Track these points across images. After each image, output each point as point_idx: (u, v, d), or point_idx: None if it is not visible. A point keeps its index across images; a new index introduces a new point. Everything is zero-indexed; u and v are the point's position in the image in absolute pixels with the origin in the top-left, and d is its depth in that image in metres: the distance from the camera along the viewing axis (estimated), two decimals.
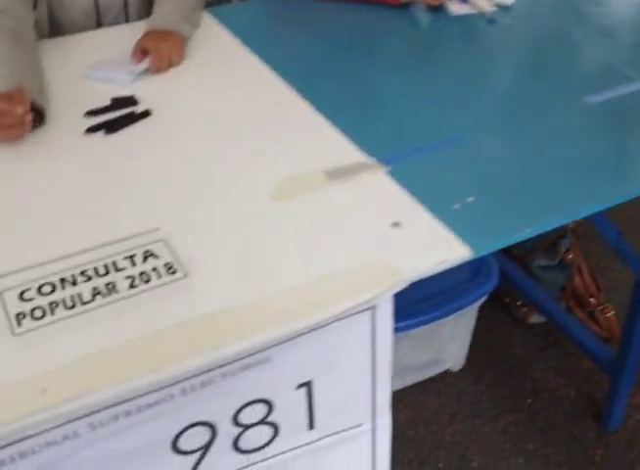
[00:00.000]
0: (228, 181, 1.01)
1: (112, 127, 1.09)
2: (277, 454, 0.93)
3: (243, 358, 0.80)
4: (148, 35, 1.26)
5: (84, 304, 0.81)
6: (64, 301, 0.82)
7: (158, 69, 1.22)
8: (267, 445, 0.91)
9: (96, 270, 0.85)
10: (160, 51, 1.22)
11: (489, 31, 1.46)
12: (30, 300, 0.82)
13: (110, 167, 1.05)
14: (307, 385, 0.88)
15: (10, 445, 0.71)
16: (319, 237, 0.91)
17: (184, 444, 0.84)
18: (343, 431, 0.97)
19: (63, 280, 0.84)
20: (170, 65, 1.23)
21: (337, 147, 1.07)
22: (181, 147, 1.08)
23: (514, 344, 1.76)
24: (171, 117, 1.15)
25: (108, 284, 0.84)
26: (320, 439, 0.95)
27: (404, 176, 1.01)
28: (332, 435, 0.96)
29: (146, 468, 0.84)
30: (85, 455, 0.77)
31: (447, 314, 1.49)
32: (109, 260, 0.87)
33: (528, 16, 1.50)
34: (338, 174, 1.01)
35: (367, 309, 0.86)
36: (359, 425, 0.97)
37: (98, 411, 0.74)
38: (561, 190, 1.00)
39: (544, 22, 1.50)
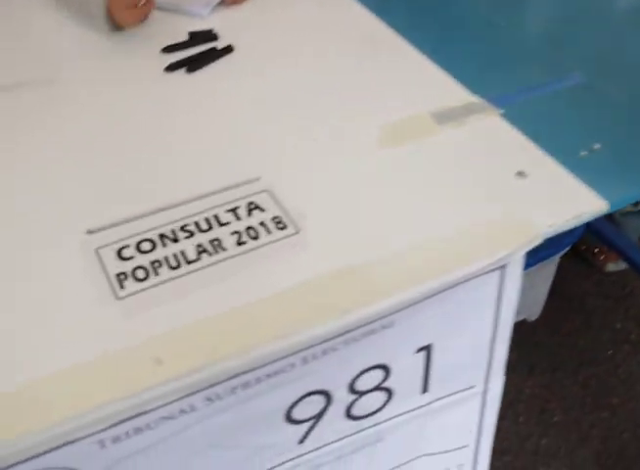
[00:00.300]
0: (328, 125, 0.91)
1: (193, 65, 0.99)
2: (387, 420, 0.87)
3: (367, 324, 0.72)
4: None
5: (189, 263, 0.73)
6: (167, 259, 0.73)
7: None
8: (379, 410, 0.85)
9: (197, 225, 0.77)
10: None
11: None
12: (130, 258, 0.74)
13: (196, 110, 0.95)
14: (427, 349, 0.81)
15: (125, 421, 0.64)
16: (435, 189, 0.82)
17: (297, 413, 0.77)
18: (455, 393, 0.90)
19: (162, 236, 0.76)
20: None
21: (440, 86, 0.97)
22: (271, 87, 0.98)
23: (591, 293, 1.68)
24: (256, 53, 1.04)
25: (213, 241, 0.75)
26: (431, 402, 0.89)
27: (520, 120, 0.91)
28: (444, 398, 0.90)
29: (256, 439, 0.77)
30: (198, 429, 0.71)
31: (530, 266, 1.41)
32: (210, 214, 0.79)
33: None
34: (447, 118, 0.91)
35: (496, 269, 0.77)
36: (472, 387, 0.91)
37: (217, 384, 0.67)
38: None
39: None
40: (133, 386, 0.63)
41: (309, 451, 0.83)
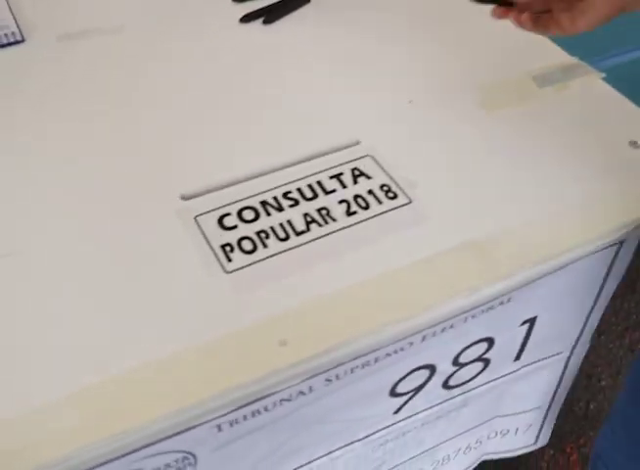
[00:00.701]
0: (423, 84, 0.85)
1: (271, 16, 0.92)
2: (477, 387, 0.84)
3: (489, 302, 0.68)
4: None
5: (299, 234, 0.68)
6: (273, 230, 0.69)
7: None
8: (472, 379, 0.82)
9: (301, 192, 0.72)
10: None
11: None
12: (233, 227, 0.69)
13: (279, 66, 0.88)
14: (531, 321, 0.78)
15: (246, 405, 0.60)
16: (543, 158, 0.77)
17: (401, 387, 0.74)
18: (543, 360, 0.88)
19: (264, 203, 0.71)
20: None
21: (538, 47, 0.90)
22: (356, 41, 0.91)
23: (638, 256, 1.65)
24: (334, 3, 0.97)
25: (320, 210, 0.70)
26: (520, 368, 0.86)
27: (625, 84, 0.85)
28: (532, 364, 0.87)
29: (359, 413, 0.74)
30: (310, 409, 0.67)
31: None
32: (312, 180, 0.73)
33: None
34: (548, 81, 0.85)
35: (615, 244, 0.73)
36: (559, 353, 0.88)
37: (340, 365, 0.63)
38: None
39: None
40: (259, 369, 0.58)
41: (401, 420, 0.80)
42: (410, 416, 0.82)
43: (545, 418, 1.02)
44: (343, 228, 0.69)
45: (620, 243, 0.73)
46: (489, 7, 0.70)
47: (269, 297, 0.63)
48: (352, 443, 0.79)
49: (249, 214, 0.70)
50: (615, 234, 0.70)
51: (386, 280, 0.64)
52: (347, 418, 0.74)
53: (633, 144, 0.78)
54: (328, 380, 0.64)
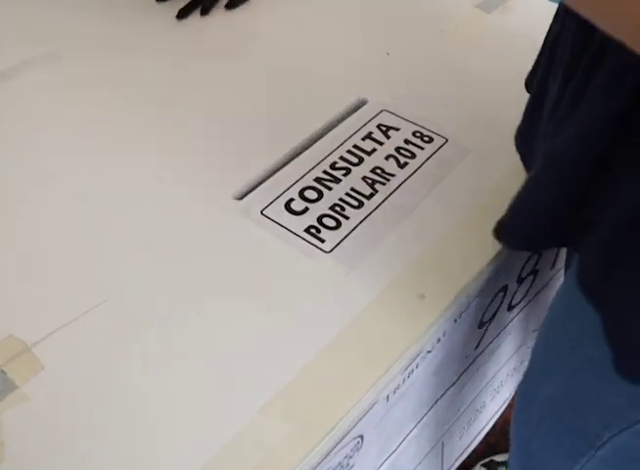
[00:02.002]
0: (399, 36, 0.87)
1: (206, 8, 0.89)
2: (527, 303, 0.90)
3: None
4: None
5: (369, 197, 0.68)
6: (344, 201, 0.68)
7: None
8: (525, 296, 0.87)
9: (346, 160, 0.72)
10: None
11: None
12: (305, 210, 0.67)
13: (259, 48, 0.86)
14: None
15: (407, 366, 0.60)
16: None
17: (485, 317, 0.77)
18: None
19: (319, 180, 0.70)
20: None
21: None
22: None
23: None
24: None
25: (374, 169, 0.71)
26: (556, 274, 0.93)
27: None
28: (561, 269, 0.94)
29: (456, 352, 0.76)
30: (439, 355, 0.68)
31: None
32: (349, 145, 0.74)
33: None
34: (492, 6, 0.91)
35: None
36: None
37: (466, 309, 0.65)
38: None
39: None
40: (413, 325, 0.58)
41: (478, 355, 0.84)
42: (484, 349, 0.85)
43: None
44: (405, 180, 0.70)
45: None
46: None
47: (379, 261, 0.63)
48: (446, 391, 0.80)
49: (311, 194, 0.68)
50: None
51: (472, 215, 0.66)
52: (450, 363, 0.76)
53: None
54: (455, 321, 0.65)
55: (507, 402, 1.15)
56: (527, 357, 1.03)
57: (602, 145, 0.44)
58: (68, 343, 0.56)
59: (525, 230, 0.55)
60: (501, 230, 0.57)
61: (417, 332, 0.58)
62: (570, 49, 0.48)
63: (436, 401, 0.80)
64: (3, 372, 0.55)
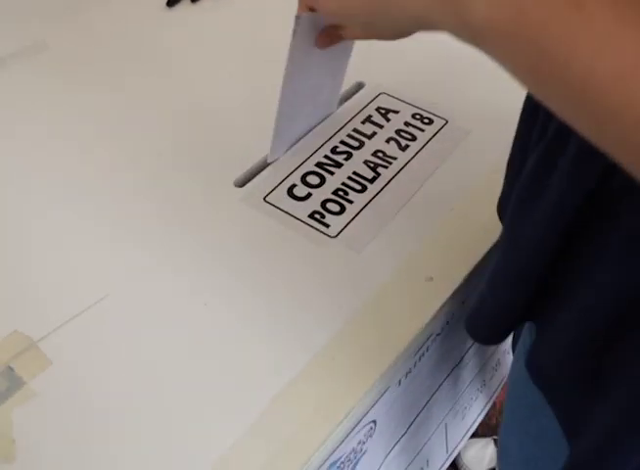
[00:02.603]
0: None
1: None
2: None
3: None
4: None
5: (372, 181, 0.68)
6: (347, 185, 0.67)
7: None
8: None
9: (346, 144, 0.72)
10: None
11: None
12: (308, 196, 0.67)
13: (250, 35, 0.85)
14: None
15: (419, 349, 0.60)
16: None
17: None
18: None
19: (320, 165, 0.69)
20: None
21: None
22: None
23: None
24: None
25: (376, 153, 0.70)
26: None
27: None
28: None
29: (461, 331, 0.76)
30: (447, 340, 0.68)
31: None
32: (349, 129, 0.73)
33: None
34: None
35: None
36: None
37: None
38: None
39: None
40: (422, 309, 0.58)
41: None
42: None
43: None
44: (407, 162, 0.69)
45: None
46: None
47: (385, 245, 0.62)
48: (451, 371, 0.80)
49: (313, 179, 0.68)
50: None
51: (475, 195, 0.66)
52: (456, 345, 0.76)
53: None
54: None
55: (504, 380, 1.15)
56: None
57: (567, 228, 0.41)
58: (74, 337, 0.56)
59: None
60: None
61: (427, 315, 0.58)
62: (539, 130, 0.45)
63: (442, 384, 0.80)
64: (10, 368, 0.54)
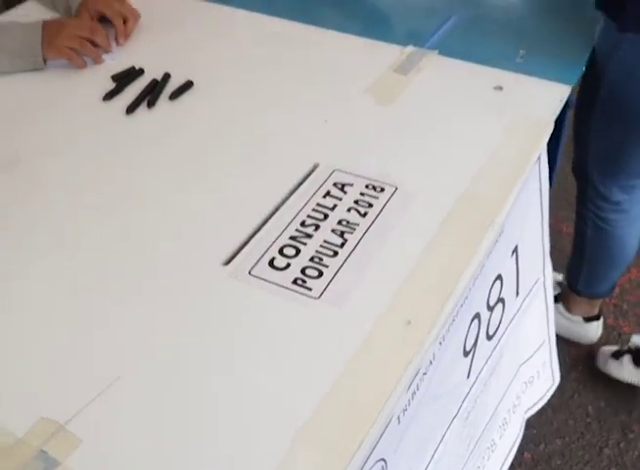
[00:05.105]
0: (336, 106, 0.99)
1: (152, 101, 0.99)
2: (504, 331, 1.01)
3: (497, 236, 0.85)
4: (95, 0, 1.11)
5: (342, 246, 0.79)
6: (320, 252, 0.78)
7: (127, 34, 1.10)
8: (500, 323, 0.98)
9: (312, 217, 0.83)
10: (118, 11, 1.10)
11: None
12: (287, 266, 0.77)
13: (213, 133, 0.97)
14: (515, 250, 0.95)
15: (409, 387, 0.69)
16: (446, 125, 0.97)
17: (467, 344, 0.87)
18: (531, 291, 1.07)
19: (294, 238, 0.81)
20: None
21: (378, 49, 1.10)
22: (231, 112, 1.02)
23: None
24: (217, 86, 1.07)
25: (340, 222, 0.82)
26: (521, 304, 1.04)
27: (455, 51, 1.08)
28: (526, 297, 1.05)
29: (448, 383, 0.85)
30: (435, 377, 0.77)
31: None
32: (312, 204, 0.84)
33: None
34: (406, 68, 1.05)
35: (536, 161, 0.94)
36: (537, 280, 1.08)
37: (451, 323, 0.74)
38: None
39: None
40: (408, 350, 0.67)
41: (472, 384, 0.92)
42: (477, 378, 0.94)
43: (551, 352, 1.20)
44: (369, 226, 0.80)
45: (538, 159, 0.94)
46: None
47: (364, 298, 0.72)
48: (452, 421, 0.88)
49: (290, 251, 0.78)
50: (535, 155, 0.90)
51: (427, 256, 0.77)
52: (443, 391, 0.84)
53: (497, 88, 1.00)
54: (440, 343, 0.75)
55: (517, 444, 1.22)
56: (522, 393, 1.14)
57: None
58: (98, 416, 0.63)
59: None
60: None
61: (409, 354, 0.67)
62: None
63: (445, 432, 0.87)
64: (44, 452, 0.60)
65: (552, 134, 0.96)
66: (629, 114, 1.16)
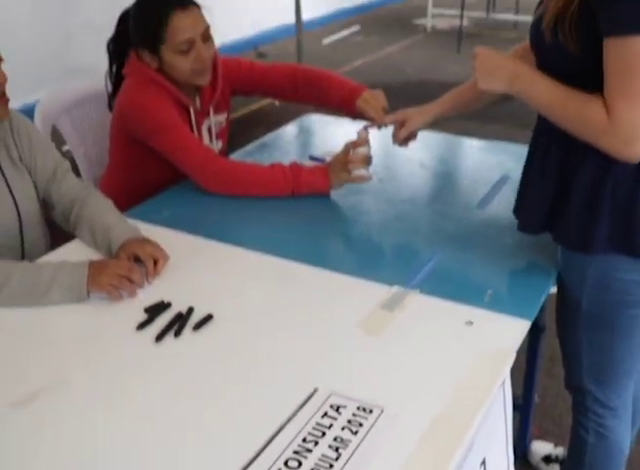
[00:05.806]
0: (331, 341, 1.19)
1: (178, 331, 1.19)
2: None
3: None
4: (132, 244, 1.35)
5: (337, 459, 0.95)
6: (320, 465, 0.94)
7: (158, 271, 1.34)
8: None
9: (313, 435, 1.00)
10: (150, 254, 1.34)
11: None
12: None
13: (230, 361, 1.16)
14: (483, 462, 1.11)
15: None
16: (432, 356, 1.16)
17: None
18: None
19: (297, 452, 0.97)
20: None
21: (368, 288, 1.32)
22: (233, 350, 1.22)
23: None
24: (233, 318, 1.28)
25: (335, 438, 1.00)
26: None
27: (434, 290, 1.30)
28: None
29: None
30: None
31: None
32: (313, 423, 1.02)
33: None
34: (392, 306, 1.26)
35: (500, 386, 1.12)
36: None
37: None
38: None
39: None
40: None
41: None
42: None
43: None
44: (361, 441, 0.98)
45: (503, 383, 1.12)
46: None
47: None
48: None
49: (293, 463, 0.96)
50: (498, 384, 1.07)
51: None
52: None
53: (468, 323, 1.20)
54: None
55: None
56: None
57: None
58: None
59: None
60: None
61: None
62: None
63: None
64: None
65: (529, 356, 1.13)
66: (617, 320, 1.29)
